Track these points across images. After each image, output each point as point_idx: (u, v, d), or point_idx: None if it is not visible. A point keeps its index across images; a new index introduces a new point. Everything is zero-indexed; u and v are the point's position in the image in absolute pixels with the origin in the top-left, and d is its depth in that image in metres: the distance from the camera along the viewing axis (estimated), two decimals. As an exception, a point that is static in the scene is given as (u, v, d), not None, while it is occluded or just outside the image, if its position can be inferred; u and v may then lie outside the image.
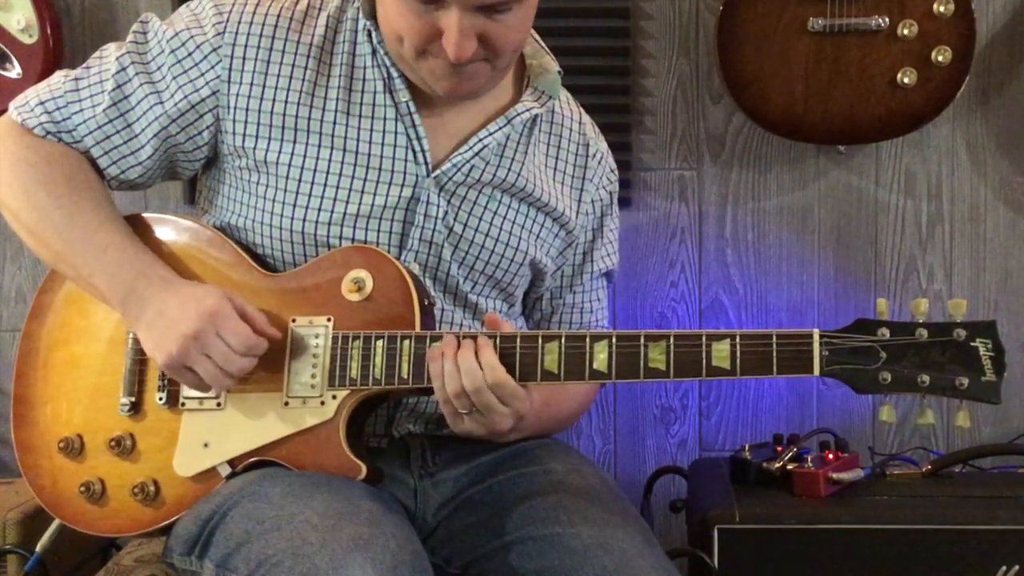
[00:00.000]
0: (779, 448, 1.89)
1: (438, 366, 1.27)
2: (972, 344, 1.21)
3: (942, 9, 1.99)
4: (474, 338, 1.28)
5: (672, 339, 1.26)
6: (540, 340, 1.29)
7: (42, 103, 1.42)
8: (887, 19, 2.01)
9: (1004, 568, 1.65)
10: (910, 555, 1.68)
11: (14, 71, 2.15)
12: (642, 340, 1.27)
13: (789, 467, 1.80)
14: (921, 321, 1.23)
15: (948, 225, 2.27)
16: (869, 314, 2.31)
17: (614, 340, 1.27)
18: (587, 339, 1.28)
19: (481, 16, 1.28)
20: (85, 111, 1.41)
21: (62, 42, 2.20)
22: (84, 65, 1.45)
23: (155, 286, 1.33)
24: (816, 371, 1.24)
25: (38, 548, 1.52)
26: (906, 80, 2.02)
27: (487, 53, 1.32)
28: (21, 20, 2.14)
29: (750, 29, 2.04)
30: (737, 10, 2.04)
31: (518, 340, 1.29)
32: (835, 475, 1.77)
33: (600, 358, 1.28)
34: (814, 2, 2.01)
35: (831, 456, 1.84)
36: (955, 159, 2.25)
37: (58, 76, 1.45)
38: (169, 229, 1.44)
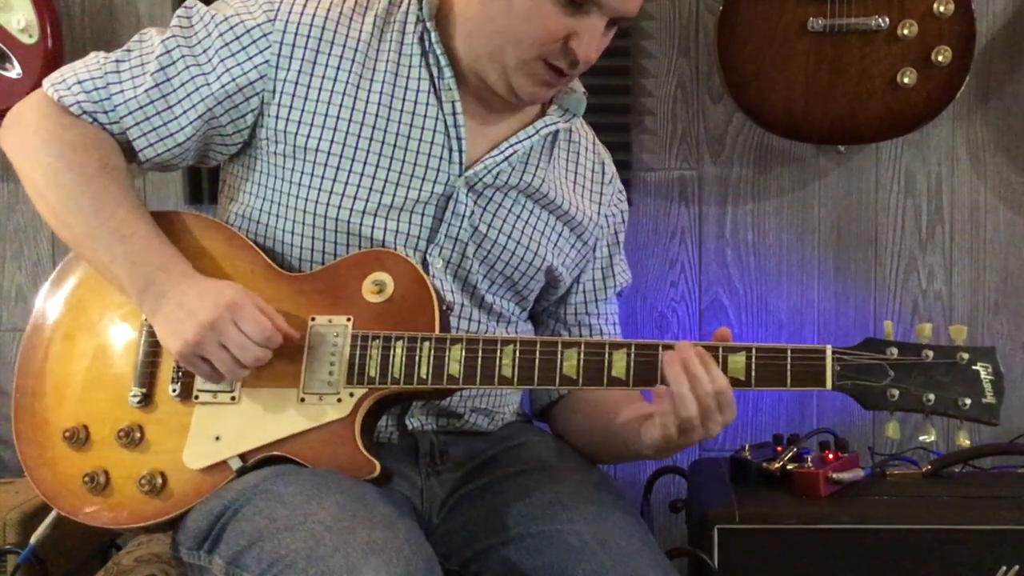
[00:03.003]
0: (779, 448, 1.89)
1: (668, 402, 1.28)
2: (974, 367, 1.27)
3: (942, 9, 1.99)
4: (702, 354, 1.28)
5: None
6: (560, 347, 1.32)
7: (80, 82, 1.42)
8: (887, 19, 2.01)
9: (1004, 568, 1.65)
10: (910, 555, 1.68)
11: (14, 71, 2.15)
12: (660, 349, 1.30)
13: (789, 467, 1.80)
14: (925, 344, 1.29)
15: (948, 225, 2.27)
16: (869, 314, 2.33)
17: (632, 349, 1.31)
18: (606, 347, 1.31)
19: (605, 27, 1.39)
20: (126, 91, 1.42)
21: (62, 42, 2.20)
22: (124, 48, 1.46)
23: (175, 279, 1.33)
24: (828, 385, 1.28)
25: (32, 539, 1.50)
26: (906, 80, 2.02)
27: (584, 66, 1.42)
28: (21, 20, 2.14)
29: (750, 29, 2.04)
30: (737, 10, 2.04)
31: (538, 346, 1.32)
32: (835, 475, 1.77)
33: (618, 366, 1.31)
34: (814, 2, 2.01)
35: (831, 456, 1.84)
36: (955, 159, 2.25)
37: (95, 57, 1.45)
38: (188, 225, 1.45)
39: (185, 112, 1.42)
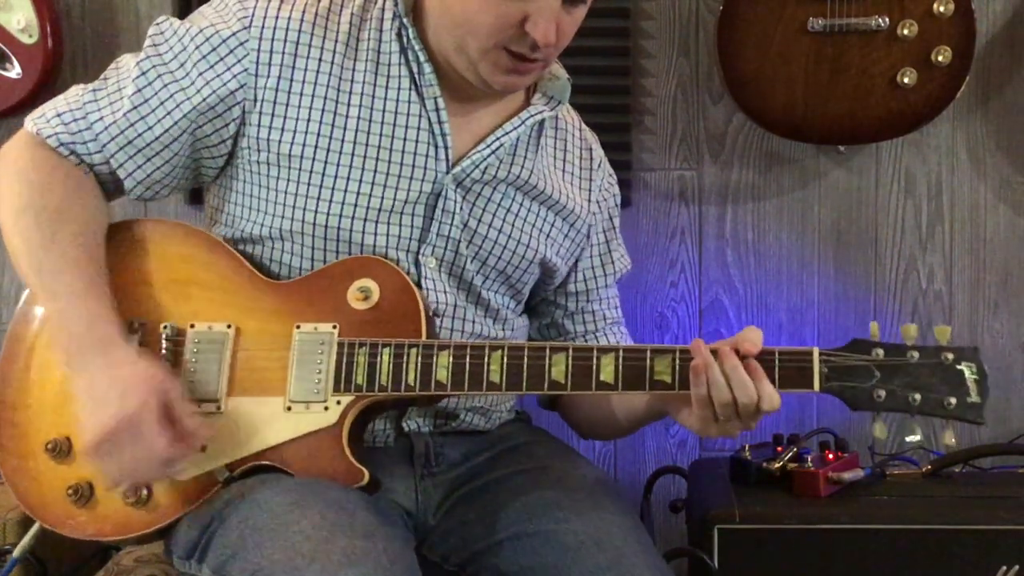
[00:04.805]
0: (779, 448, 1.89)
1: (703, 378, 1.27)
2: (958, 367, 1.28)
3: (942, 9, 1.99)
4: (736, 351, 1.28)
5: (677, 353, 1.30)
6: (548, 351, 1.31)
7: (59, 115, 1.41)
8: (887, 19, 2.01)
9: (1004, 568, 1.65)
10: (910, 555, 1.68)
11: (14, 71, 2.15)
12: (648, 354, 1.30)
13: (789, 467, 1.80)
14: (911, 344, 1.29)
15: (948, 225, 2.27)
16: (869, 314, 2.32)
17: (621, 354, 1.30)
18: (594, 352, 1.31)
19: (563, 6, 1.36)
20: (106, 117, 1.40)
21: (62, 42, 2.20)
22: (102, 76, 1.44)
23: (91, 352, 1.28)
24: (816, 387, 1.29)
25: (16, 552, 1.48)
26: (906, 80, 2.02)
27: (549, 49, 1.38)
28: (21, 20, 2.14)
29: (750, 29, 2.04)
30: (737, 10, 2.04)
31: (526, 351, 1.32)
32: (835, 475, 1.77)
33: (606, 371, 1.30)
34: (814, 2, 2.01)
35: (831, 456, 1.84)
36: (955, 159, 2.25)
37: (75, 89, 1.44)
38: (170, 233, 1.43)
39: (167, 130, 1.40)
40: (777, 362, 1.28)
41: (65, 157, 1.41)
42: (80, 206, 1.39)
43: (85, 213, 1.40)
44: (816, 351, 1.29)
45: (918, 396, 1.28)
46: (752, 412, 1.28)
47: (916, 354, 1.28)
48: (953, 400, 1.27)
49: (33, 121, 1.42)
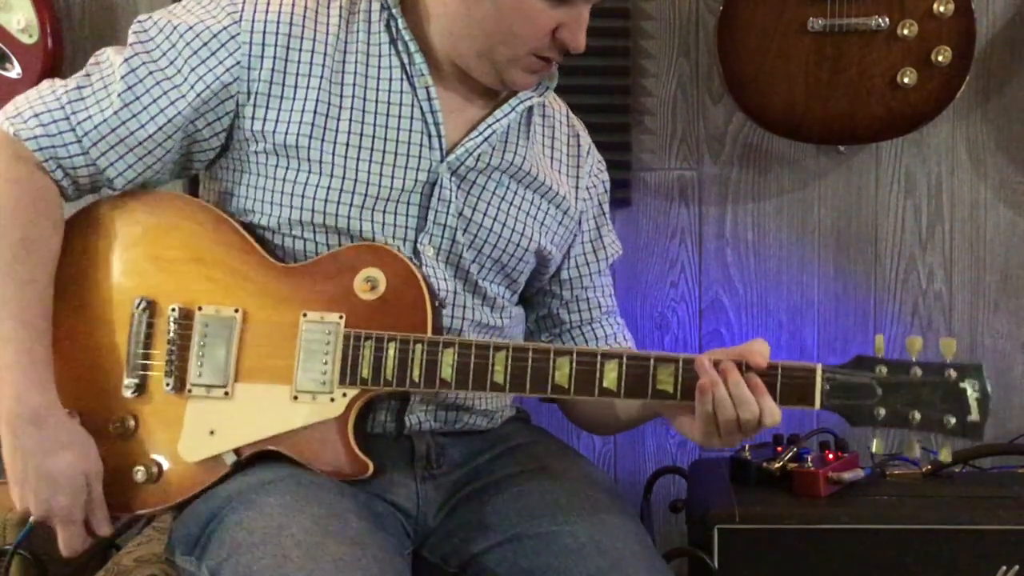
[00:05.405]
0: (779, 448, 1.89)
1: (709, 397, 1.27)
2: (961, 385, 1.27)
3: (942, 9, 1.99)
4: (739, 366, 1.28)
5: (681, 363, 1.30)
6: (552, 355, 1.32)
7: (37, 115, 1.38)
8: (887, 19, 2.01)
9: (1004, 568, 1.65)
10: (910, 555, 1.68)
11: (14, 71, 2.15)
12: (652, 362, 1.30)
13: (789, 467, 1.80)
14: (915, 359, 1.29)
15: (948, 225, 2.27)
16: (869, 314, 2.32)
17: (624, 360, 1.31)
18: (598, 357, 1.31)
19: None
20: (94, 117, 1.38)
21: (62, 42, 2.20)
22: (83, 73, 1.42)
23: (22, 423, 1.30)
24: (817, 404, 1.28)
25: (31, 521, 1.49)
26: (906, 80, 2.02)
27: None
28: (21, 20, 2.14)
29: (750, 29, 2.04)
30: (737, 10, 2.04)
31: (530, 353, 1.32)
32: (835, 475, 1.77)
33: (609, 376, 1.31)
34: (814, 2, 2.01)
35: (831, 456, 1.85)
36: (955, 159, 2.25)
37: (50, 87, 1.41)
38: (177, 208, 1.43)
39: (161, 128, 1.38)
40: (779, 378, 1.28)
41: (42, 164, 1.38)
42: (36, 242, 1.36)
43: (43, 248, 1.37)
44: (819, 368, 1.28)
45: (918, 414, 1.27)
46: (754, 426, 1.28)
47: (919, 371, 1.28)
48: (953, 419, 1.27)
49: (9, 121, 1.38)
